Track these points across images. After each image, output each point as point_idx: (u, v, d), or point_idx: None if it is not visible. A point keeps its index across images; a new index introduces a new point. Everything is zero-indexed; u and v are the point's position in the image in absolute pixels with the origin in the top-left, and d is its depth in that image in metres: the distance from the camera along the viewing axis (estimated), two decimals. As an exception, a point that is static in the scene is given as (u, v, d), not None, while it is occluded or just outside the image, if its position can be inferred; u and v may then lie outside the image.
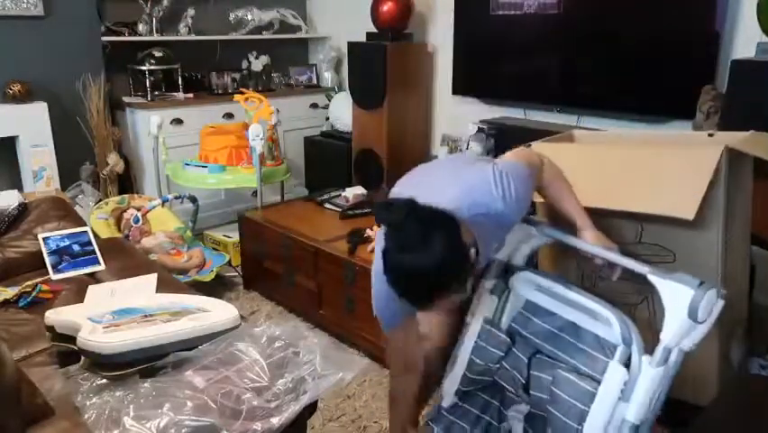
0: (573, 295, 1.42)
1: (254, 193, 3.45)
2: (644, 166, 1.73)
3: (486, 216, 1.34)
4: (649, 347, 1.31)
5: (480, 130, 3.34)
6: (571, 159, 1.90)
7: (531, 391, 1.46)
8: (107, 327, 1.37)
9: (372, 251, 2.46)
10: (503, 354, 1.50)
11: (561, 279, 1.49)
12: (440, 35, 3.86)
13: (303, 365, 1.28)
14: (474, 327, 1.55)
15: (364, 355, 2.47)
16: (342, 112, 4.16)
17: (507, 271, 1.58)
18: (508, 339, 1.50)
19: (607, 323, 1.36)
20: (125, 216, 3.21)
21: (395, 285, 1.24)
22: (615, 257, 1.45)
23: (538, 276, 1.51)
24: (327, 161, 4.16)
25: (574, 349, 1.41)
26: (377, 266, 1.43)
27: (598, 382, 1.32)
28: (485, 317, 1.54)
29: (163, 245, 3.06)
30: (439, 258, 1.18)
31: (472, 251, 1.25)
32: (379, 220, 1.22)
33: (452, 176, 1.42)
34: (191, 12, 4.01)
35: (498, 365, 1.51)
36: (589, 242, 1.50)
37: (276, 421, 1.15)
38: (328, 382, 1.27)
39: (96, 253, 2.28)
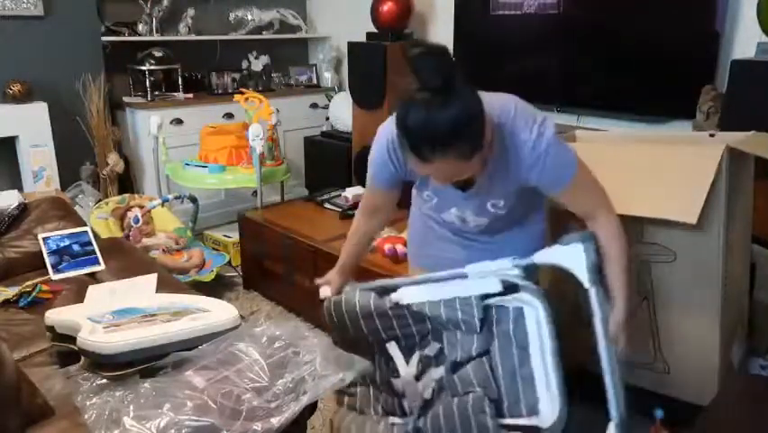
0: (549, 361, 1.38)
1: (254, 193, 3.45)
2: (646, 168, 1.73)
3: (507, 135, 1.30)
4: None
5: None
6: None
7: (455, 375, 1.46)
8: (107, 327, 1.36)
9: (373, 250, 2.46)
10: (462, 330, 1.48)
11: (557, 349, 1.41)
12: (440, 35, 3.85)
13: (303, 365, 1.27)
14: (464, 290, 1.48)
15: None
16: (342, 112, 4.16)
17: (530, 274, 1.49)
18: (479, 330, 1.46)
19: (545, 405, 1.36)
20: (129, 214, 3.20)
21: (400, 123, 1.19)
22: (607, 368, 1.33)
23: (547, 321, 1.41)
24: (327, 161, 4.16)
25: (513, 390, 1.41)
26: (383, 128, 1.46)
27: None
28: (481, 294, 1.46)
29: (163, 244, 3.07)
30: (454, 111, 1.13)
31: (488, 134, 1.21)
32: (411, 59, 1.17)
33: (506, 95, 1.38)
34: (191, 12, 4.01)
35: (455, 329, 1.50)
36: (611, 328, 1.38)
37: (276, 422, 1.15)
38: (328, 382, 1.26)
39: (96, 253, 2.28)
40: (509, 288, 1.44)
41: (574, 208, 1.44)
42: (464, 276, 1.49)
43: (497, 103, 1.31)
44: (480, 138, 1.21)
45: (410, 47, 1.18)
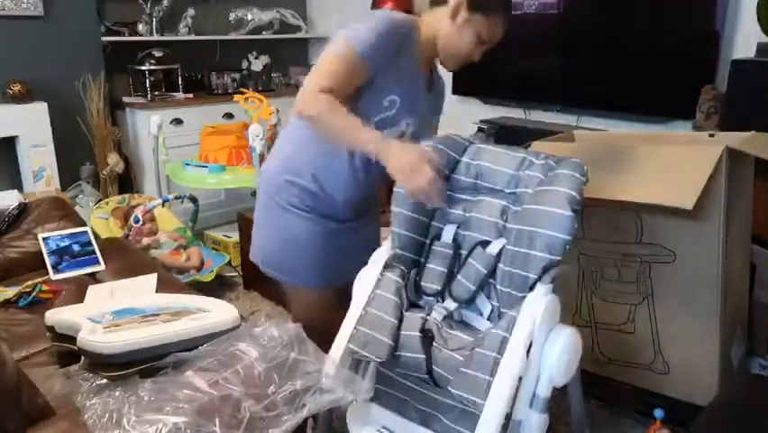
0: None
1: (254, 193, 3.45)
2: (645, 160, 1.73)
3: None
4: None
5: (480, 130, 3.34)
6: (570, 154, 1.90)
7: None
8: (107, 327, 1.36)
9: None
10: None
11: None
12: (440, 35, 3.85)
13: (304, 376, 1.26)
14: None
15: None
16: (342, 112, 4.16)
17: None
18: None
19: None
20: (134, 212, 3.19)
21: None
22: None
23: None
24: (327, 161, 4.16)
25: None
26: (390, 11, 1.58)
27: None
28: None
29: (164, 244, 3.06)
30: None
31: None
32: None
33: None
34: (191, 12, 4.01)
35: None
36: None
37: (275, 432, 1.14)
38: (329, 398, 1.23)
39: (96, 253, 2.27)
40: None
41: None
42: None
43: None
44: None
45: None
